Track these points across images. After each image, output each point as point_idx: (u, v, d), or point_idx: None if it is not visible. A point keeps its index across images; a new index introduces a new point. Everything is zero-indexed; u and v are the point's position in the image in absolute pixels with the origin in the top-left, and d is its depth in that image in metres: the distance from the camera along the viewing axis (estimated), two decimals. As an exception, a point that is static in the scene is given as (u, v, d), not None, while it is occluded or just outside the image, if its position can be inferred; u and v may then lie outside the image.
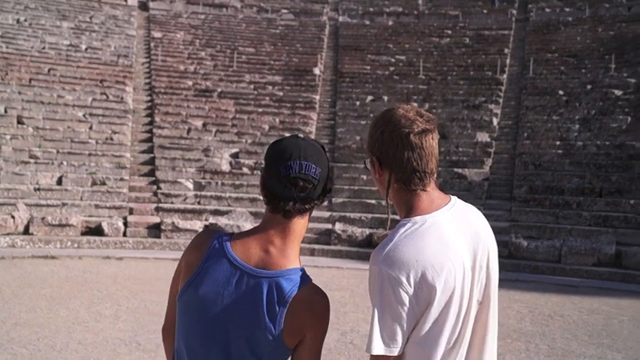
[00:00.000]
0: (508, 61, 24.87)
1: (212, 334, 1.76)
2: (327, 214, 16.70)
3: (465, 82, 23.38)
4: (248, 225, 15.48)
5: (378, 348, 1.68)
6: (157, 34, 26.93)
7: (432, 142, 1.86)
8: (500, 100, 22.03)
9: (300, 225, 1.82)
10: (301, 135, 1.88)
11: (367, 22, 29.91)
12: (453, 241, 1.75)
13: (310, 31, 29.24)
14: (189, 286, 1.79)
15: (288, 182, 1.75)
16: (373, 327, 1.68)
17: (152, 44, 25.96)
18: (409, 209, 1.82)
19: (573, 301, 10.43)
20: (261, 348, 1.74)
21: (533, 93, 21.87)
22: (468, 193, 16.49)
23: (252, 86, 23.55)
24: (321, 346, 1.80)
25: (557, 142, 18.68)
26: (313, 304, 1.76)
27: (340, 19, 30.51)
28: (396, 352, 1.68)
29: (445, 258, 1.70)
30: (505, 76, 23.68)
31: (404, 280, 1.67)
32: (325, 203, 17.34)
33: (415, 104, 21.50)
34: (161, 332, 2.06)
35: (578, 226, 15.07)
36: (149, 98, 22.09)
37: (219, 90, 22.93)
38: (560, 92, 21.46)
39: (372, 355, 1.70)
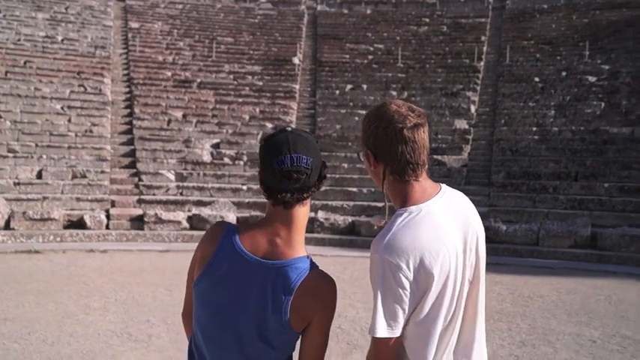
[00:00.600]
0: (485, 48, 25.14)
1: (224, 321, 1.89)
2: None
3: (442, 70, 23.61)
4: (231, 215, 15.61)
5: (382, 330, 1.81)
6: (135, 25, 26.73)
7: (424, 135, 1.95)
8: (478, 88, 22.32)
9: (302, 213, 1.95)
10: (289, 128, 1.97)
11: (345, 11, 29.97)
12: (446, 227, 1.88)
13: (289, 20, 29.22)
14: (203, 276, 1.92)
15: (282, 176, 1.86)
16: (377, 311, 1.81)
17: (129, 35, 25.76)
18: (404, 199, 1.94)
19: (551, 282, 10.75)
20: (269, 333, 1.86)
21: (509, 80, 22.18)
22: (448, 179, 16.75)
23: (231, 76, 23.54)
24: (328, 330, 1.93)
25: (534, 128, 19.02)
26: (319, 290, 1.88)
27: (319, 7, 30.51)
28: (397, 333, 1.82)
29: (440, 244, 1.84)
30: (482, 63, 23.95)
31: (404, 266, 1.79)
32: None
33: (394, 93, 21.75)
34: (181, 317, 2.17)
35: (554, 210, 15.44)
36: (128, 90, 21.97)
37: (198, 80, 22.88)
38: (536, 79, 21.79)
39: (374, 338, 1.84)
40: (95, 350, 6.36)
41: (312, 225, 15.43)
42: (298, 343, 1.95)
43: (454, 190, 2.06)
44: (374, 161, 1.98)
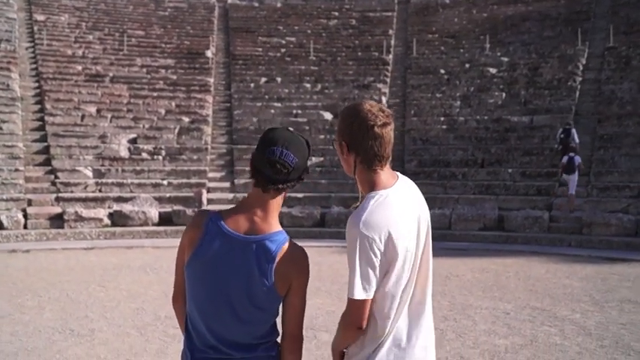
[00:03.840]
0: (393, 42, 26.10)
1: (217, 293, 2.19)
2: (230, 195, 17.15)
3: (353, 63, 24.35)
4: (153, 210, 15.62)
5: (359, 293, 2.16)
6: (40, 17, 25.73)
7: (390, 132, 2.32)
8: (388, 80, 23.21)
9: (277, 200, 2.25)
10: (291, 129, 2.32)
11: (256, 4, 30.12)
12: (406, 209, 2.29)
13: (200, 13, 29.04)
14: (194, 257, 2.21)
15: (268, 164, 2.17)
16: (355, 276, 2.18)
17: (35, 27, 24.80)
18: (372, 185, 2.30)
19: (465, 262, 11.63)
20: (258, 298, 2.18)
21: (417, 72, 23.21)
22: (364, 169, 17.45)
23: (144, 70, 23.24)
24: (305, 293, 2.29)
25: (442, 118, 20.09)
26: (295, 257, 2.21)
27: (229, 1, 30.47)
28: (370, 296, 2.20)
29: (402, 223, 2.24)
30: (391, 56, 24.88)
31: (377, 239, 2.14)
32: (227, 185, 17.77)
33: (308, 85, 22.26)
34: (171, 300, 2.46)
35: (464, 195, 16.50)
36: (37, 85, 21.25)
37: (110, 74, 22.45)
38: (442, 71, 22.93)
39: (351, 299, 2.21)
40: (40, 347, 6.43)
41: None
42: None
43: (406, 177, 2.48)
44: (347, 151, 2.32)
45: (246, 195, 2.30)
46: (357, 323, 2.22)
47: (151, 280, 9.71)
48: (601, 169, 16.53)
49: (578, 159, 15.36)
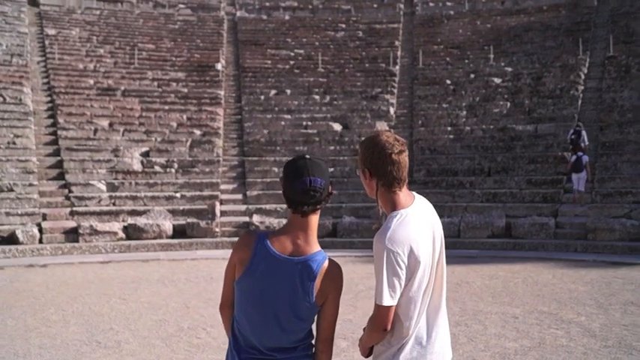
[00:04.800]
0: (399, 53, 26.45)
1: (265, 307, 2.53)
2: (243, 207, 17.46)
3: (361, 74, 24.70)
4: (167, 223, 15.95)
5: (387, 300, 2.51)
6: (51, 32, 26.22)
7: (405, 158, 2.70)
8: (395, 91, 23.53)
9: (314, 220, 2.59)
10: (307, 156, 2.66)
11: (264, 17, 30.56)
12: (423, 225, 2.65)
13: (209, 26, 29.49)
14: (244, 276, 2.55)
15: (302, 193, 2.51)
16: (382, 285, 2.52)
17: (47, 42, 25.26)
18: (393, 205, 2.66)
19: (475, 269, 11.92)
20: (300, 311, 2.53)
21: (423, 83, 23.53)
22: (373, 179, 17.73)
23: (155, 83, 23.65)
24: (339, 302, 2.61)
25: (449, 128, 20.39)
26: (333, 274, 2.56)
27: (238, 13, 30.94)
28: (395, 302, 2.56)
29: (421, 237, 2.60)
30: (398, 67, 25.21)
31: (401, 253, 2.50)
32: (240, 197, 18.08)
33: (317, 97, 22.61)
34: (219, 309, 2.80)
35: (472, 203, 16.78)
36: (49, 99, 21.67)
37: (122, 88, 22.85)
38: (448, 81, 23.25)
39: (380, 305, 2.53)
40: (69, 359, 6.74)
41: (248, 229, 15.99)
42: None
43: (420, 196, 2.83)
44: (369, 176, 2.69)
45: (283, 219, 2.70)
46: (384, 326, 2.57)
47: (170, 293, 10.01)
48: (604, 176, 16.83)
49: (585, 158, 16.06)
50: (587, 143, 17.05)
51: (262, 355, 2.58)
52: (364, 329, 2.70)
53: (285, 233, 2.58)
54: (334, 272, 2.57)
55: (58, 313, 8.71)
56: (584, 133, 17.13)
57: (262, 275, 2.52)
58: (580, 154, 16.10)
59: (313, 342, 2.68)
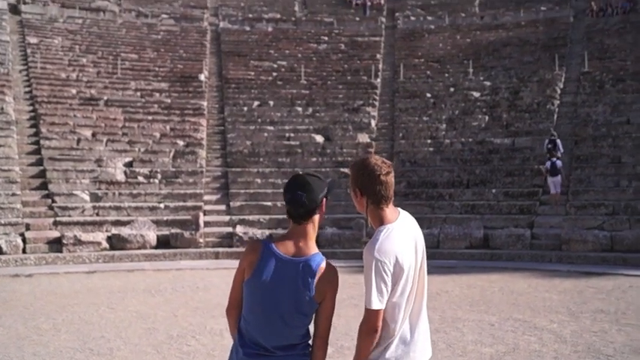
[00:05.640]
0: (381, 66, 26.90)
1: (271, 302, 2.85)
2: (226, 217, 17.67)
3: (343, 87, 25.09)
4: (151, 234, 16.10)
5: (376, 304, 2.82)
6: (33, 40, 26.21)
7: (392, 179, 3.04)
8: (377, 103, 23.96)
9: (310, 228, 2.94)
10: (302, 172, 3.10)
11: (247, 28, 30.86)
12: (407, 238, 2.99)
13: (192, 36, 29.71)
14: (253, 277, 2.88)
15: (291, 205, 2.91)
16: (372, 291, 2.83)
17: (29, 50, 25.25)
18: (381, 220, 3.00)
19: (454, 279, 12.28)
20: (302, 306, 2.84)
21: (404, 96, 23.99)
22: (355, 190, 18.04)
23: (138, 93, 23.78)
24: (335, 300, 2.93)
25: (429, 141, 20.83)
26: (329, 274, 2.88)
27: (221, 24, 31.19)
28: (383, 306, 2.88)
29: (405, 249, 2.94)
30: (379, 80, 25.65)
31: (387, 262, 2.82)
32: (223, 207, 18.29)
33: (299, 109, 22.93)
34: (225, 311, 3.11)
35: (451, 215, 17.19)
36: (32, 108, 21.69)
37: (105, 98, 22.94)
38: (428, 95, 23.74)
39: (370, 309, 2.82)
40: (62, 366, 6.92)
41: (232, 240, 16.23)
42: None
43: (405, 212, 3.17)
44: (360, 195, 3.02)
45: (287, 228, 3.06)
46: (375, 328, 2.88)
47: (158, 302, 10.20)
48: (578, 188, 17.38)
49: (559, 163, 16.94)
50: (562, 151, 17.86)
51: (264, 352, 2.90)
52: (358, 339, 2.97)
53: (288, 239, 2.95)
54: (331, 272, 2.90)
55: (48, 321, 8.84)
56: (559, 142, 17.97)
57: (269, 274, 2.86)
58: (554, 159, 16.93)
59: (310, 342, 2.99)
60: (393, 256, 2.84)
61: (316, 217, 2.95)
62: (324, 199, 2.97)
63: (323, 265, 2.89)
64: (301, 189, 2.90)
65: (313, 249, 2.92)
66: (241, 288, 2.96)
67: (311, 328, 2.98)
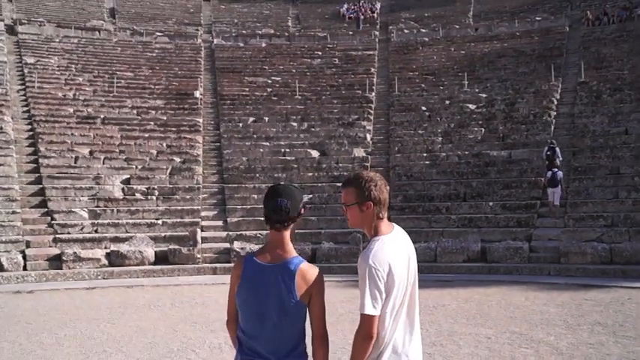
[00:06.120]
0: (375, 79, 27.12)
1: (258, 309, 3.00)
2: (223, 233, 17.72)
3: (338, 101, 25.27)
4: (150, 250, 16.17)
5: (370, 309, 2.91)
6: (30, 60, 26.42)
7: (387, 192, 3.18)
8: (372, 117, 24.11)
9: (287, 234, 3.08)
10: (283, 182, 3.29)
11: (241, 45, 31.11)
12: (400, 250, 3.11)
13: (187, 54, 29.93)
14: (240, 287, 3.05)
15: (272, 212, 3.05)
16: (365, 297, 2.92)
17: (26, 70, 25.47)
18: (376, 231, 3.12)
19: (451, 293, 12.31)
20: (288, 307, 2.97)
21: (399, 109, 24.16)
22: (352, 204, 18.11)
23: (134, 111, 23.91)
24: (323, 298, 3.06)
25: (425, 154, 20.94)
26: (310, 273, 3.02)
27: (215, 41, 31.44)
28: (378, 312, 2.96)
29: (398, 260, 3.04)
30: (374, 94, 25.84)
31: (381, 270, 2.93)
32: (220, 223, 18.35)
33: (295, 124, 23.07)
34: (225, 325, 3.24)
35: (448, 228, 17.24)
36: (29, 127, 21.82)
37: (102, 116, 23.09)
38: (423, 108, 23.90)
39: (364, 315, 2.91)
40: (64, 382, 6.96)
41: (229, 255, 16.27)
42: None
43: (399, 227, 3.28)
44: (372, 207, 3.10)
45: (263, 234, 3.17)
46: (370, 333, 2.97)
47: (157, 317, 10.24)
48: (576, 200, 17.40)
49: (560, 174, 16.98)
50: (561, 159, 18.05)
51: (260, 358, 3.03)
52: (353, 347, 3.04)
53: (267, 248, 3.12)
54: (311, 272, 3.04)
55: (51, 336, 8.90)
56: (557, 149, 18.09)
57: (253, 282, 3.02)
58: (555, 170, 17.01)
59: (308, 352, 3.09)
60: (386, 264, 2.95)
61: (292, 226, 3.10)
62: (303, 209, 3.11)
63: (302, 266, 3.02)
64: (284, 196, 3.05)
65: (291, 253, 3.06)
66: (235, 300, 3.10)
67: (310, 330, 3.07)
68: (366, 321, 2.95)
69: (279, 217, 3.04)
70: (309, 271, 3.02)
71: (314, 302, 3.03)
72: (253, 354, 3.03)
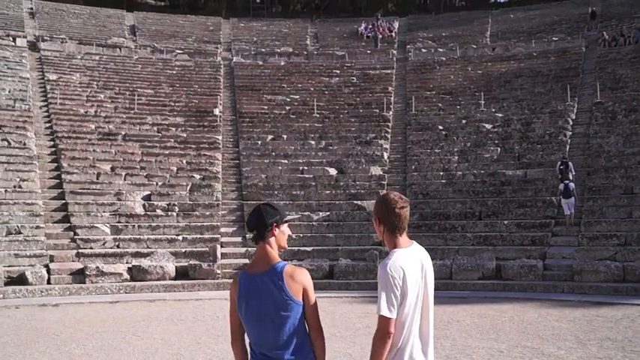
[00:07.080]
0: (393, 98, 27.44)
1: (259, 314, 3.32)
2: (242, 249, 18.04)
3: (356, 120, 25.61)
4: (170, 265, 16.52)
5: (385, 311, 3.24)
6: (52, 77, 27.03)
7: (406, 212, 3.49)
8: (389, 136, 24.40)
9: (268, 246, 3.41)
10: (264, 202, 3.70)
11: (260, 63, 31.62)
12: (415, 262, 3.42)
13: (206, 71, 30.48)
14: (239, 300, 3.40)
15: (249, 227, 3.47)
16: (382, 300, 3.26)
17: (48, 87, 26.05)
18: (394, 245, 3.46)
19: (465, 309, 12.54)
20: (283, 306, 3.29)
21: (416, 128, 24.44)
22: (368, 222, 18.39)
23: (155, 128, 24.40)
24: (313, 293, 3.39)
25: (441, 173, 21.18)
26: (295, 272, 3.34)
27: (234, 59, 32.00)
28: (394, 316, 3.26)
29: (412, 270, 3.37)
30: (391, 113, 26.16)
31: (397, 277, 3.28)
32: (239, 239, 18.67)
33: (313, 142, 23.40)
34: (230, 345, 3.54)
35: (464, 246, 17.43)
36: (52, 143, 22.30)
37: (123, 133, 23.57)
38: (440, 127, 24.16)
39: (381, 316, 3.24)
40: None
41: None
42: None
43: (418, 244, 3.60)
44: (378, 223, 3.50)
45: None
46: (387, 332, 3.28)
47: (180, 330, 10.55)
48: (590, 220, 17.56)
49: (572, 185, 17.53)
50: (574, 173, 18.54)
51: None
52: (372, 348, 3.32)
53: (254, 261, 3.49)
54: (298, 271, 3.36)
55: (79, 347, 9.24)
56: (570, 164, 18.71)
57: (248, 292, 3.36)
58: (567, 182, 17.55)
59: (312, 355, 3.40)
60: (402, 273, 3.28)
61: (272, 239, 3.41)
62: (274, 224, 3.41)
63: (287, 268, 3.34)
64: (253, 215, 3.46)
65: (275, 260, 3.39)
66: (236, 316, 3.44)
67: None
68: (383, 322, 3.27)
69: (250, 231, 3.46)
70: (295, 270, 3.35)
71: (306, 297, 3.34)
72: (263, 356, 3.35)
